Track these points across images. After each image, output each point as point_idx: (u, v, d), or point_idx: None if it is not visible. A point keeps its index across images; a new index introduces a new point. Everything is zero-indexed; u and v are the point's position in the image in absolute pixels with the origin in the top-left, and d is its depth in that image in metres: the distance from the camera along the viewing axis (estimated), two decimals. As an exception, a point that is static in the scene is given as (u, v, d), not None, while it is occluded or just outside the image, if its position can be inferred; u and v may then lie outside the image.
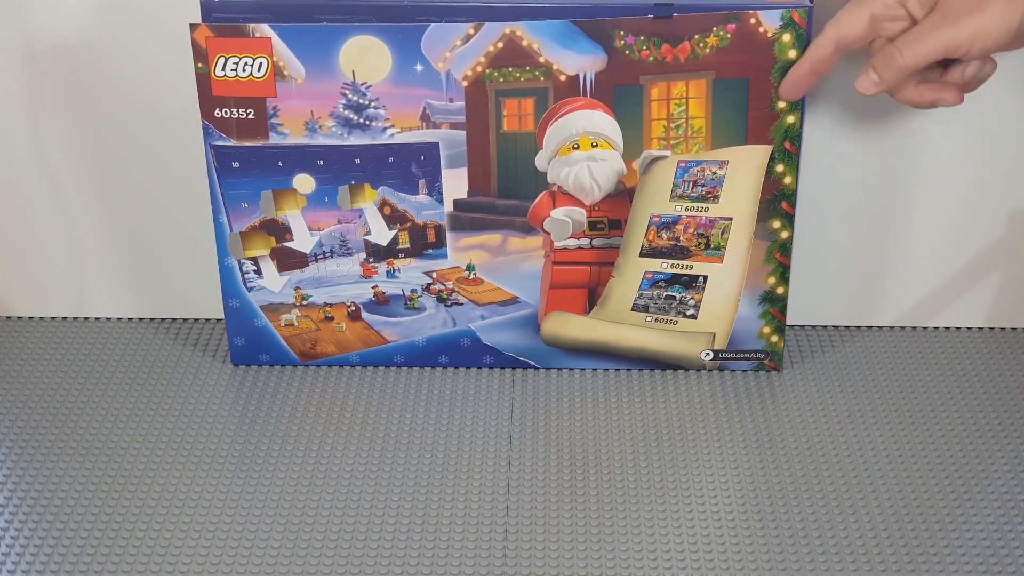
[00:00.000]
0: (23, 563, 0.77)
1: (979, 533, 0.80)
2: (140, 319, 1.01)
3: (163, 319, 1.01)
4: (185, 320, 1.01)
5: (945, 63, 0.81)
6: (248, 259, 0.91)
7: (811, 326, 1.00)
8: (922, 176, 0.94)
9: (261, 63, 0.84)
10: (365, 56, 0.84)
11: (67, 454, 0.86)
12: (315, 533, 0.80)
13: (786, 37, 0.84)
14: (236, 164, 0.86)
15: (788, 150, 0.87)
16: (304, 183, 0.88)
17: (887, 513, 0.81)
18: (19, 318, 1.01)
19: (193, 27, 0.84)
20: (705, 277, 0.90)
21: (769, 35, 0.84)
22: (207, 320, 1.01)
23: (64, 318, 1.01)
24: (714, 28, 0.84)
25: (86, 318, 1.01)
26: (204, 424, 0.89)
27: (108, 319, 1.01)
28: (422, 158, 0.86)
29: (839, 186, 0.95)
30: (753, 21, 0.83)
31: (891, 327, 1.00)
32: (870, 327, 1.00)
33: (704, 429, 0.89)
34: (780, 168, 0.87)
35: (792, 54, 0.84)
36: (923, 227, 0.96)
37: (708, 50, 0.84)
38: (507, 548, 0.79)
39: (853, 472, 0.85)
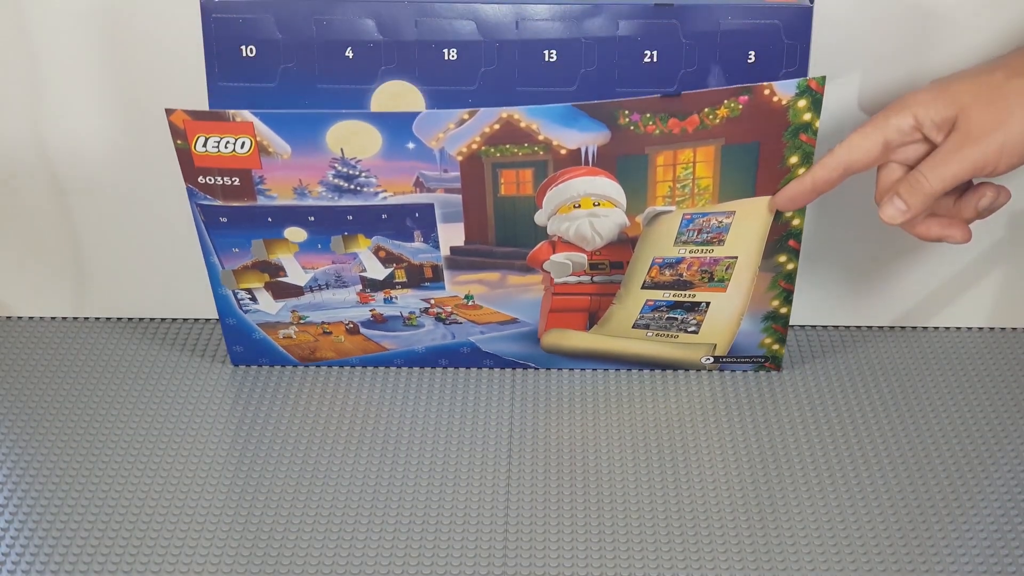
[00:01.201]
0: (23, 563, 0.77)
1: (979, 533, 0.80)
2: (140, 319, 1.01)
3: (163, 319, 1.01)
4: (185, 320, 1.01)
5: (960, 189, 0.80)
6: (243, 289, 0.91)
7: (811, 326, 1.00)
8: (922, 176, 0.94)
9: (244, 142, 0.83)
10: (353, 137, 0.83)
11: (67, 454, 0.86)
12: (315, 533, 0.80)
13: (801, 103, 0.82)
14: (224, 219, 0.86)
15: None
16: (295, 234, 0.87)
17: (887, 513, 0.81)
18: (19, 318, 1.01)
19: (169, 111, 0.82)
20: (708, 303, 0.90)
21: (784, 103, 0.82)
22: (207, 320, 1.01)
23: (64, 318, 1.01)
24: (725, 101, 0.82)
25: (86, 318, 1.01)
26: (204, 424, 0.89)
27: (108, 319, 1.01)
28: (416, 215, 0.85)
29: (840, 186, 0.95)
30: (767, 92, 0.82)
31: (891, 327, 1.00)
32: (870, 327, 1.00)
33: (704, 429, 0.89)
34: (789, 213, 0.87)
35: (807, 117, 0.82)
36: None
37: (718, 120, 0.82)
38: (507, 548, 0.79)
39: (853, 472, 0.85)
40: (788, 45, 0.86)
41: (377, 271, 0.88)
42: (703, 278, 0.89)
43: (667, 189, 0.84)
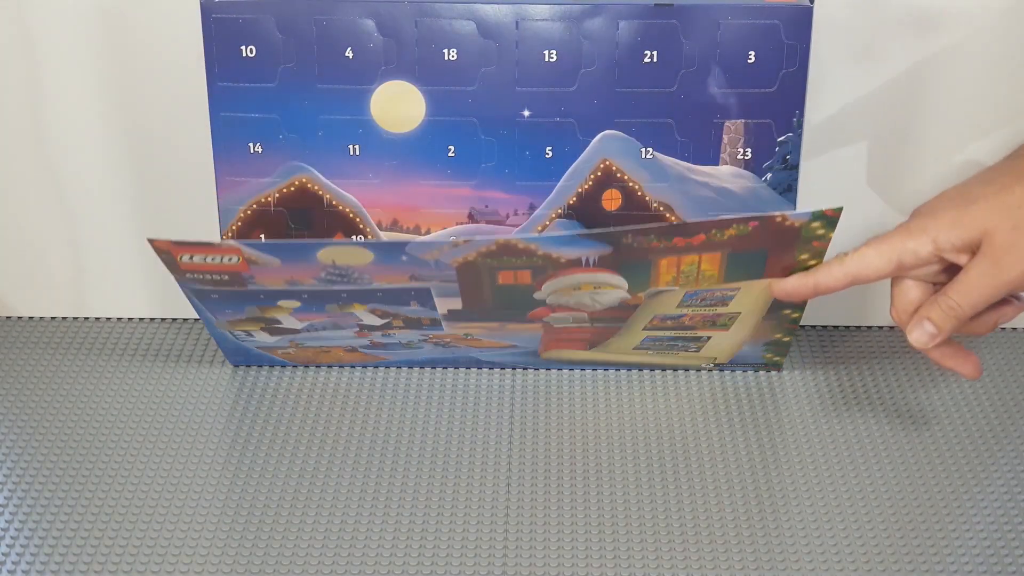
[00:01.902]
0: (23, 563, 0.77)
1: (979, 533, 0.80)
2: (140, 319, 1.01)
3: (163, 319, 1.01)
4: (185, 320, 1.01)
5: None
6: (239, 331, 0.91)
7: (811, 326, 1.00)
8: (922, 177, 0.94)
9: (232, 258, 0.82)
10: (345, 255, 0.82)
11: (67, 454, 0.86)
12: (315, 533, 0.80)
13: (815, 224, 0.80)
14: (215, 296, 0.86)
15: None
16: (289, 304, 0.87)
17: (887, 513, 0.81)
18: (19, 318, 1.01)
19: (152, 241, 0.81)
20: (709, 336, 0.90)
21: (797, 225, 0.80)
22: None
23: (64, 318, 1.01)
24: (734, 224, 0.80)
25: (86, 318, 1.01)
26: (204, 423, 0.89)
27: (108, 319, 1.01)
28: (413, 293, 0.85)
29: (839, 186, 0.95)
30: (779, 219, 0.80)
31: (891, 327, 1.00)
32: (870, 327, 1.00)
33: (704, 429, 0.89)
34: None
35: (820, 232, 0.80)
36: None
37: (726, 237, 0.81)
38: (507, 548, 0.79)
39: (853, 472, 0.85)
40: (788, 45, 0.86)
41: (374, 322, 0.88)
42: (705, 323, 0.88)
43: (671, 278, 0.84)
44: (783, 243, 0.81)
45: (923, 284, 0.78)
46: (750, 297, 0.85)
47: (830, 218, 0.79)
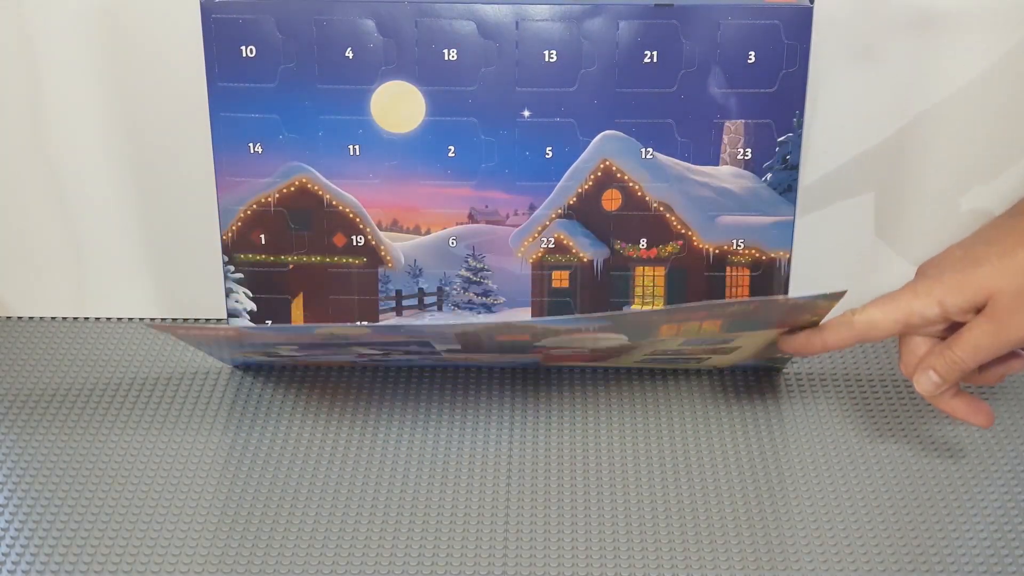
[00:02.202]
0: (23, 563, 0.77)
1: (979, 533, 0.80)
2: (140, 319, 1.01)
3: (163, 319, 1.01)
4: (185, 320, 1.01)
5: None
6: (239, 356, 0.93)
7: (811, 326, 1.00)
8: (921, 177, 0.94)
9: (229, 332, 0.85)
10: (343, 329, 0.84)
11: (67, 454, 0.86)
12: (316, 532, 0.80)
13: (819, 301, 0.80)
14: (211, 345, 0.87)
15: None
16: (289, 348, 0.89)
17: (887, 512, 0.81)
18: (19, 318, 1.01)
19: (151, 326, 0.82)
20: (710, 357, 0.91)
21: (801, 303, 0.80)
22: (207, 320, 1.01)
23: (64, 318, 1.01)
24: (736, 305, 0.81)
25: (86, 318, 1.01)
26: (204, 423, 0.89)
27: (108, 319, 1.01)
28: (412, 343, 0.87)
29: (840, 186, 0.95)
30: (782, 300, 0.80)
31: (891, 327, 1.00)
32: (870, 327, 1.00)
33: (705, 428, 0.89)
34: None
35: (822, 304, 0.80)
36: (923, 227, 0.96)
37: (728, 311, 0.81)
38: (507, 548, 0.79)
39: (853, 471, 0.85)
40: (788, 45, 0.86)
41: (375, 352, 0.90)
42: (706, 353, 0.89)
43: (672, 335, 0.84)
44: (785, 316, 0.82)
45: (930, 339, 0.80)
46: (752, 340, 0.86)
47: (833, 296, 0.79)
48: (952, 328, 0.78)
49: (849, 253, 0.98)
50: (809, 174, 0.93)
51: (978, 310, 0.76)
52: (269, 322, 0.92)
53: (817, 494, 0.83)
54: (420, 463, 0.86)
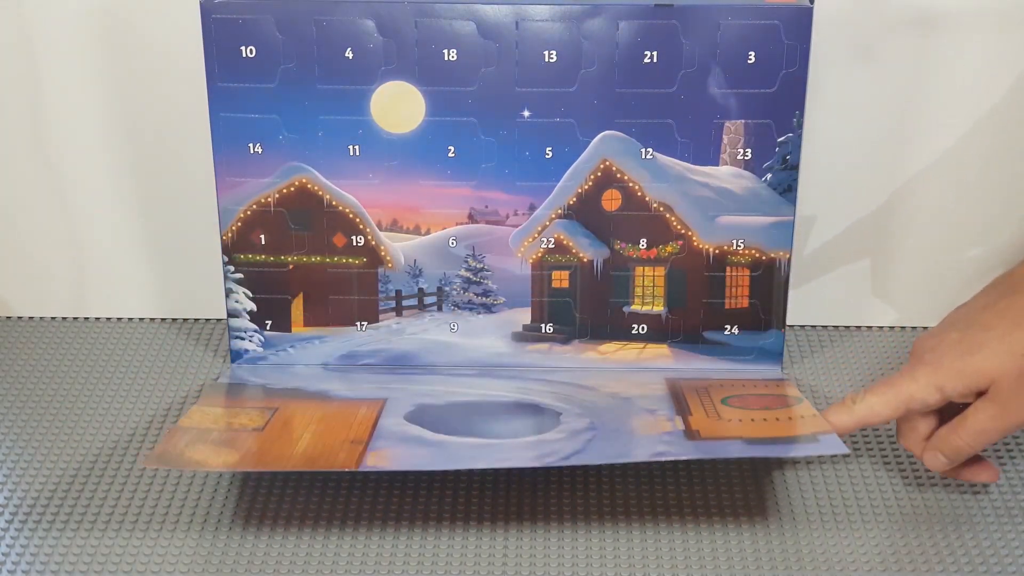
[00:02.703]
0: (23, 563, 0.77)
1: (979, 533, 0.80)
2: (140, 319, 1.01)
3: (163, 319, 1.01)
4: (185, 320, 1.01)
5: None
6: None
7: (811, 326, 1.00)
8: (922, 177, 0.94)
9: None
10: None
11: (67, 454, 0.86)
12: (316, 532, 0.80)
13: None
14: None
15: None
16: None
17: (887, 512, 0.81)
18: (19, 318, 1.01)
19: (147, 460, 0.79)
20: None
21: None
22: (207, 320, 1.01)
23: (64, 318, 1.01)
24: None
25: (86, 318, 1.01)
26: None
27: (108, 319, 1.01)
28: None
29: (840, 186, 0.95)
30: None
31: (891, 327, 1.00)
32: (870, 327, 1.00)
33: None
34: None
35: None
36: (923, 227, 0.96)
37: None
38: (508, 548, 0.79)
39: (853, 471, 0.85)
40: (788, 45, 0.86)
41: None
42: None
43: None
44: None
45: (929, 417, 0.80)
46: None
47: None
48: (951, 407, 0.78)
49: (849, 253, 0.98)
50: (809, 174, 0.92)
51: (979, 393, 0.76)
52: (269, 322, 0.92)
53: (817, 492, 0.83)
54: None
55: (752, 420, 0.81)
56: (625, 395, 0.87)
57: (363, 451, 0.77)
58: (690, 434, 0.79)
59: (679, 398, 0.86)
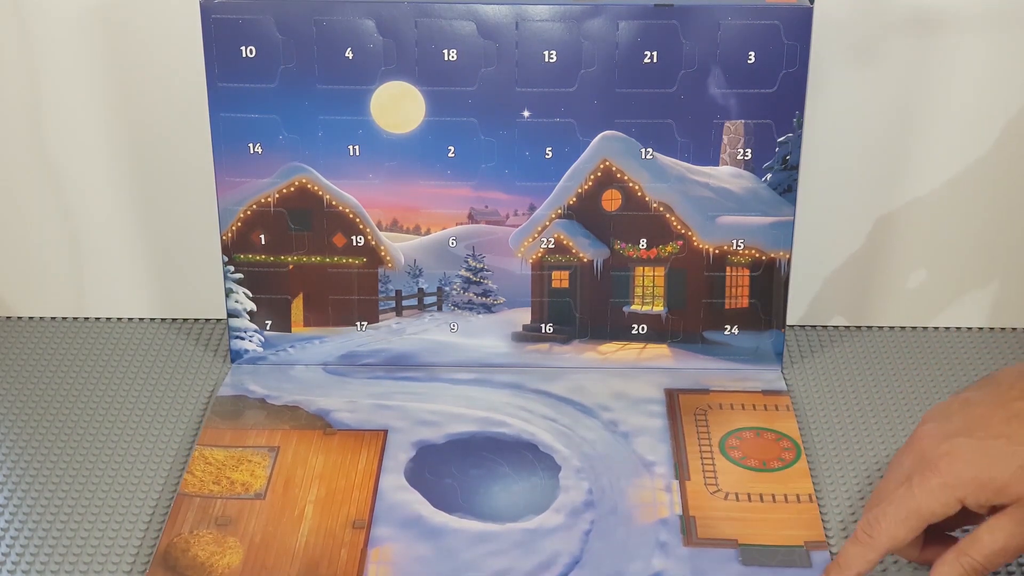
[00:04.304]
0: (23, 563, 0.77)
1: (979, 533, 0.79)
2: (140, 319, 1.01)
3: (163, 319, 1.01)
4: (185, 320, 1.01)
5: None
6: None
7: (811, 326, 1.00)
8: (922, 177, 0.94)
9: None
10: None
11: (67, 454, 0.86)
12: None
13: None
14: None
15: None
16: None
17: None
18: (19, 318, 1.01)
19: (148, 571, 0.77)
20: None
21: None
22: (207, 320, 1.01)
23: (64, 318, 1.01)
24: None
25: (86, 318, 1.01)
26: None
27: (108, 319, 1.01)
28: None
29: (840, 186, 0.95)
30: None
31: (891, 327, 1.00)
32: (870, 327, 1.00)
33: None
34: None
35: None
36: (923, 227, 0.96)
37: None
38: (507, 548, 0.79)
39: (853, 471, 0.85)
40: (788, 45, 0.86)
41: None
42: None
43: None
44: None
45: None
46: None
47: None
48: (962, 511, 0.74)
49: (849, 253, 0.98)
50: (809, 174, 0.92)
51: (995, 506, 0.72)
52: (269, 322, 0.92)
53: (817, 493, 0.83)
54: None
55: (749, 498, 0.80)
56: (624, 428, 0.87)
57: (364, 549, 0.76)
58: (686, 531, 0.78)
59: (677, 437, 0.86)
